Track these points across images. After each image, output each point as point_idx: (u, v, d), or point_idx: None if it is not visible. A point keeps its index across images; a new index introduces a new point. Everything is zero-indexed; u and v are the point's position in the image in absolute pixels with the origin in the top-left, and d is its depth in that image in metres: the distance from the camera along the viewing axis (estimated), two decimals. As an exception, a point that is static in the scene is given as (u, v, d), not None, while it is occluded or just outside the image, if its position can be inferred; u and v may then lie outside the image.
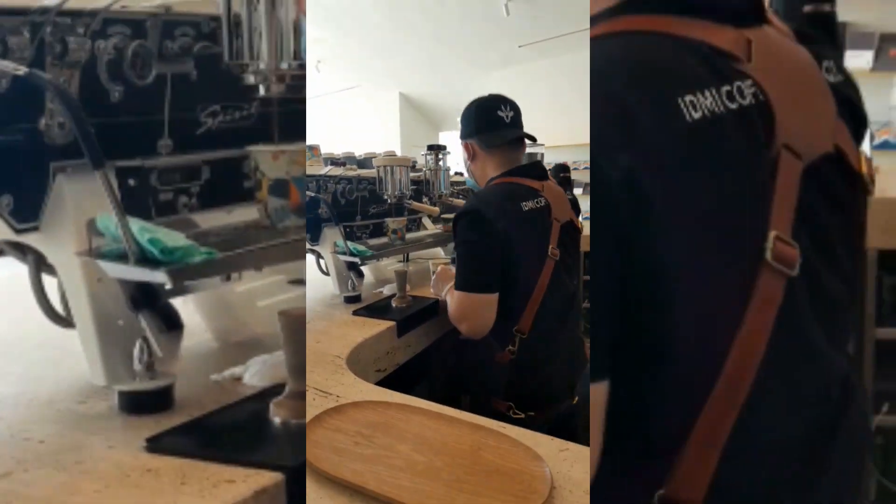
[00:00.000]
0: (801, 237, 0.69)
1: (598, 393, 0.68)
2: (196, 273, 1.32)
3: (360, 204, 3.00)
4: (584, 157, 9.66)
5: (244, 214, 1.71)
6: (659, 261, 0.65)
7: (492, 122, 2.17)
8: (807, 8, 1.20)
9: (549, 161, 6.57)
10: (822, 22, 1.23)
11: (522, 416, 1.94)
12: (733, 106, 0.71)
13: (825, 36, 0.89)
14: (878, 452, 2.54)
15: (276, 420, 1.30)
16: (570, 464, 1.20)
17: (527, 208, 2.03)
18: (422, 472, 1.15)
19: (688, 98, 0.68)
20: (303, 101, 1.69)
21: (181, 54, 1.58)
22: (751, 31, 0.76)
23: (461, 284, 1.97)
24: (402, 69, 12.37)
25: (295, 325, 1.29)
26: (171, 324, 1.60)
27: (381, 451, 1.23)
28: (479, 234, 1.94)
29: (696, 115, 0.68)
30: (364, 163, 3.45)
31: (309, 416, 1.35)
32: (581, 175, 9.16)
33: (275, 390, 1.37)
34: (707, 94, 0.69)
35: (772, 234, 0.68)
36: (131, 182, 1.52)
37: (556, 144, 8.92)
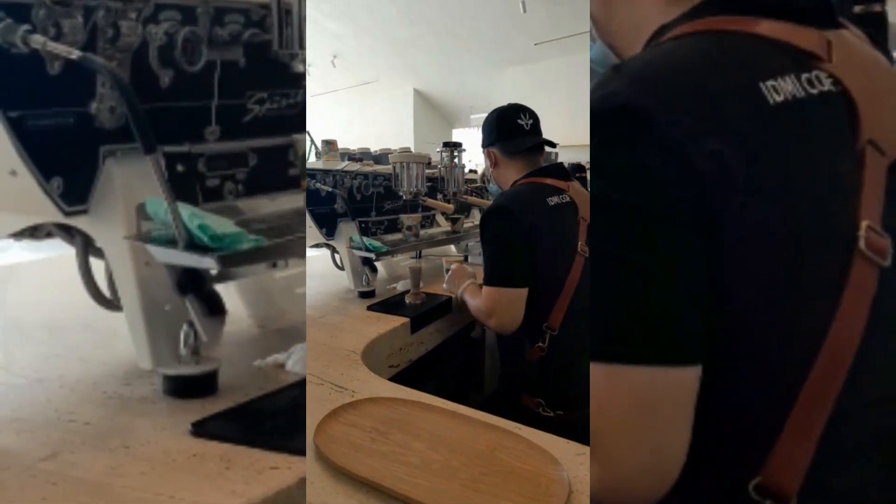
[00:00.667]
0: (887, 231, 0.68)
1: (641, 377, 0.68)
2: (244, 260, 1.33)
3: (375, 199, 2.99)
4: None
5: (289, 202, 1.71)
6: (749, 249, 0.65)
7: (512, 129, 2.23)
8: (857, 8, 1.18)
9: (564, 160, 6.53)
10: (873, 22, 1.21)
11: (552, 414, 1.94)
12: (814, 91, 0.71)
13: (876, 36, 0.88)
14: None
15: (299, 404, 1.31)
16: (587, 468, 1.17)
17: (553, 203, 2.05)
18: (438, 471, 1.14)
19: (769, 83, 0.69)
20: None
21: (230, 41, 1.58)
22: (829, 34, 0.76)
23: (490, 279, 1.98)
24: (418, 65, 12.38)
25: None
26: (215, 308, 1.61)
27: (396, 448, 1.22)
28: (507, 229, 1.96)
29: (779, 99, 0.68)
30: (380, 159, 3.43)
31: (324, 410, 1.35)
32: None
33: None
34: (788, 79, 0.70)
35: (864, 223, 0.67)
36: (179, 168, 1.52)
37: (571, 144, 8.82)
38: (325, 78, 12.42)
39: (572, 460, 1.19)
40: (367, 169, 2.93)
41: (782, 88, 0.69)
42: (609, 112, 0.70)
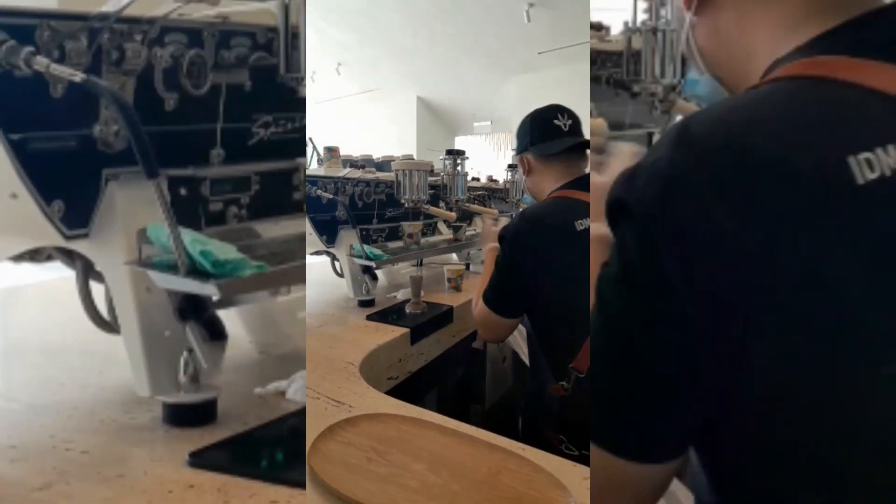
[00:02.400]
0: None
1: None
2: (247, 287, 1.31)
3: (377, 207, 2.99)
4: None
5: (292, 227, 1.69)
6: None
7: (548, 131, 2.08)
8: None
9: None
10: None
11: (576, 453, 1.78)
12: None
13: None
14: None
15: (298, 429, 1.29)
16: None
17: (581, 228, 1.87)
18: (437, 496, 1.10)
19: (863, 155, 0.58)
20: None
21: (236, 65, 1.57)
22: None
23: (487, 298, 1.94)
24: (421, 73, 12.41)
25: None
26: (216, 334, 1.59)
27: (395, 470, 1.18)
28: (517, 258, 1.88)
29: (872, 176, 0.57)
30: (382, 166, 3.43)
31: (321, 426, 1.32)
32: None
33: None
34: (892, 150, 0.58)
35: None
36: (182, 191, 1.51)
37: None
38: (330, 86, 12.46)
39: (579, 485, 1.15)
40: (369, 176, 2.92)
41: (881, 162, 0.57)
42: (639, 183, 0.64)
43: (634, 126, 2.52)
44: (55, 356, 1.79)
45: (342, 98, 13.09)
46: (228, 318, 1.61)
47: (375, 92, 13.13)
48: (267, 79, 1.62)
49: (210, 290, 1.23)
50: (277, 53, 1.54)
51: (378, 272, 2.90)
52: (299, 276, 1.42)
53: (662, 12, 1.85)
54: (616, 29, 2.36)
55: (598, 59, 2.23)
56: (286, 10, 1.50)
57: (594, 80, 2.23)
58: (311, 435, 1.28)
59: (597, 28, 2.24)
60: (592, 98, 2.16)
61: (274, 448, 1.29)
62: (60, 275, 1.64)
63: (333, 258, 2.93)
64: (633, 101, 2.39)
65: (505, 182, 4.42)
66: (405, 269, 3.28)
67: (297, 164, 1.59)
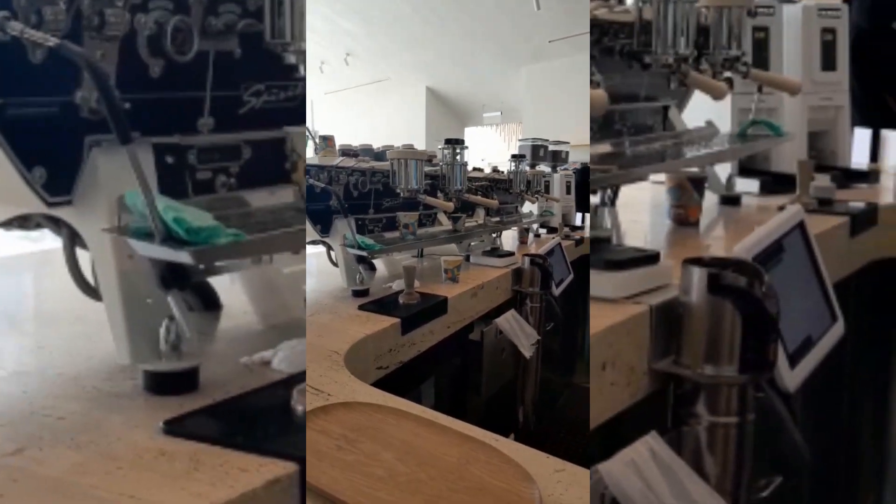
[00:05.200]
0: None
1: None
2: (222, 255, 1.30)
3: (373, 197, 2.95)
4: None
5: (283, 196, 1.68)
6: None
7: None
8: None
9: (575, 160, 6.45)
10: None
11: None
12: None
13: None
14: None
15: (299, 408, 1.27)
16: (564, 486, 1.11)
17: None
18: (403, 485, 1.09)
19: None
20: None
21: (225, 31, 1.55)
22: None
23: None
24: (430, 63, 12.37)
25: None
26: (209, 303, 1.58)
27: (363, 458, 1.17)
28: None
29: None
30: (381, 155, 3.38)
31: None
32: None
33: (302, 377, 1.34)
34: None
35: None
36: (169, 159, 1.50)
37: (582, 143, 8.70)
38: (339, 76, 12.47)
39: (549, 477, 1.13)
40: (365, 165, 2.88)
41: None
42: None
43: (650, 99, 2.48)
44: (46, 324, 1.80)
45: (351, 88, 13.08)
46: (233, 289, 1.61)
47: (385, 82, 13.11)
48: (258, 46, 1.60)
49: (183, 257, 1.22)
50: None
51: (378, 262, 2.88)
52: (289, 245, 1.40)
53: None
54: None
55: (611, 31, 2.21)
56: (274, -25, 1.49)
57: (605, 51, 2.21)
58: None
59: (603, -3, 2.21)
60: (602, 70, 2.14)
61: (250, 417, 1.28)
62: (56, 244, 1.64)
63: (328, 248, 2.91)
64: (647, 74, 2.35)
65: (508, 172, 4.36)
66: (406, 260, 3.26)
67: (289, 134, 1.56)
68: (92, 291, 1.56)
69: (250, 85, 1.63)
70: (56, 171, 1.37)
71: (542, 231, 5.25)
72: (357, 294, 2.56)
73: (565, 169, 5.84)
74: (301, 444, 1.15)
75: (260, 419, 1.27)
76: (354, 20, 10.64)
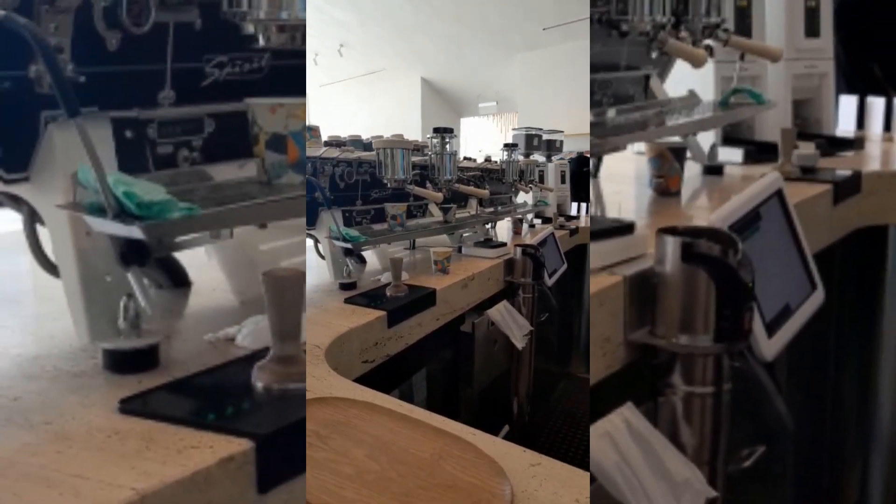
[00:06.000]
0: None
1: None
2: (175, 229, 1.27)
3: (361, 188, 2.91)
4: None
5: (249, 170, 1.65)
6: None
7: None
8: None
9: (569, 150, 6.42)
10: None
11: None
12: None
13: None
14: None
15: (259, 385, 1.25)
16: (539, 481, 1.09)
17: None
18: (371, 483, 1.06)
19: None
20: (302, 55, 1.60)
21: (184, 2, 1.52)
22: None
23: None
24: (425, 53, 12.29)
25: (279, 286, 1.23)
26: (177, 280, 1.56)
27: (333, 455, 1.14)
28: None
29: None
30: (370, 146, 3.34)
31: None
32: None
33: (265, 353, 1.32)
34: None
35: None
36: (128, 134, 1.47)
37: (578, 132, 8.61)
38: (332, 67, 12.40)
39: (524, 472, 1.11)
40: (351, 156, 2.85)
41: None
42: None
43: (631, 68, 2.45)
44: (12, 304, 1.78)
45: (345, 80, 13.01)
46: (210, 265, 1.58)
47: (379, 73, 13.03)
48: (218, 17, 1.56)
49: (135, 232, 1.19)
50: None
51: (370, 255, 2.85)
52: (238, 219, 1.37)
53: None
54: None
55: (595, -1, 2.21)
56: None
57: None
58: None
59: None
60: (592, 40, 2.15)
61: (209, 395, 1.26)
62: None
63: (315, 240, 2.87)
64: (627, 43, 2.33)
65: (501, 162, 4.31)
66: (399, 252, 3.22)
67: (249, 105, 1.53)
68: (53, 269, 1.54)
69: (212, 57, 1.60)
70: (12, 147, 1.35)
71: (538, 221, 5.22)
72: (344, 287, 2.51)
73: (560, 158, 5.81)
74: (261, 421, 1.14)
75: (218, 397, 1.25)
76: (346, 9, 10.55)
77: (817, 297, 1.59)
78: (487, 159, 4.68)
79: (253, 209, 1.38)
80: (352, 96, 13.68)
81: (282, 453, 1.12)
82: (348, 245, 2.48)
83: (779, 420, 1.32)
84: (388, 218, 2.87)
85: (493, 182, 4.36)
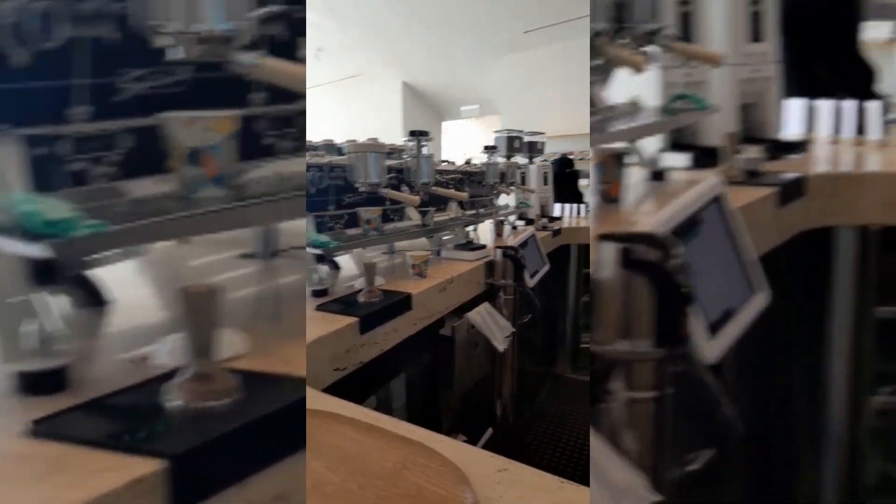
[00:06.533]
0: None
1: None
2: (83, 247, 1.24)
3: (333, 192, 2.89)
4: (586, 146, 9.49)
5: (169, 184, 1.62)
6: None
7: None
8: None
9: (552, 151, 6.45)
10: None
11: None
12: None
13: None
14: (879, 435, 2.44)
15: (174, 403, 1.22)
16: (504, 487, 1.08)
17: None
18: (330, 496, 1.04)
19: None
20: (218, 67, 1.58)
21: (96, 16, 1.49)
22: None
23: None
24: (405, 57, 12.28)
25: (194, 301, 1.20)
26: (94, 300, 1.53)
27: None
28: None
29: None
30: (344, 150, 3.34)
31: None
32: (584, 165, 8.81)
33: (184, 371, 1.29)
34: None
35: None
36: (40, 151, 1.44)
37: (559, 134, 8.65)
38: (309, 72, 12.40)
39: (490, 478, 1.10)
40: (322, 160, 2.83)
41: None
42: None
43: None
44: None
45: (323, 85, 12.96)
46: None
47: (358, 78, 13.00)
48: (134, 32, 1.54)
49: (40, 251, 1.16)
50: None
51: (346, 261, 2.83)
52: (152, 235, 1.34)
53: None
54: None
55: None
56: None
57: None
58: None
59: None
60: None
61: (122, 415, 1.23)
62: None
63: None
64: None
65: (481, 165, 4.32)
66: (377, 258, 3.20)
67: (162, 120, 1.50)
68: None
69: (128, 71, 1.57)
70: None
71: (521, 223, 5.22)
72: (317, 294, 2.49)
73: (543, 160, 5.82)
74: (175, 440, 1.11)
75: (132, 416, 1.22)
76: (323, 13, 10.51)
77: (759, 301, 1.59)
78: (467, 162, 4.68)
79: (166, 225, 1.35)
80: (330, 101, 13.62)
81: (200, 472, 1.09)
82: (319, 251, 2.45)
83: (727, 422, 1.32)
84: (361, 222, 2.85)
85: (474, 185, 4.36)
